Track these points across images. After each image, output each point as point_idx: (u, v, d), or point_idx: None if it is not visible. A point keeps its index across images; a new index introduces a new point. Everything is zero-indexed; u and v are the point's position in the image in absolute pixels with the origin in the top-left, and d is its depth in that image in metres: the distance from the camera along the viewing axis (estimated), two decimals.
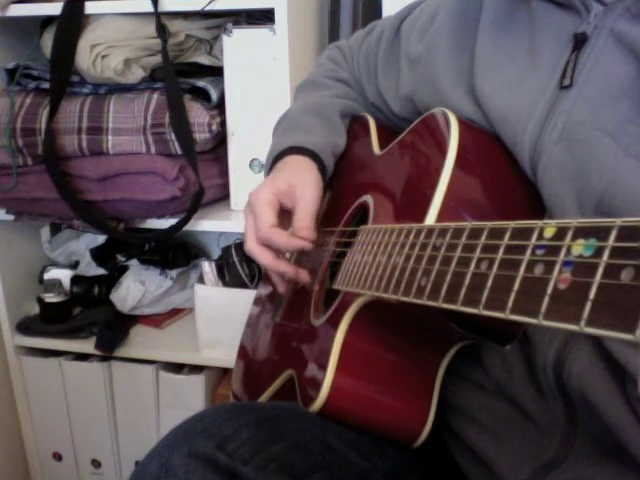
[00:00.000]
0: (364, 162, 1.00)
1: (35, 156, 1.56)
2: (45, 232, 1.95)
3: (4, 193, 1.61)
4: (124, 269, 1.88)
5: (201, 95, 1.54)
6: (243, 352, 1.20)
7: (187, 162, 1.50)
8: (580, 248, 0.38)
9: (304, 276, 0.93)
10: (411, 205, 0.77)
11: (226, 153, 1.58)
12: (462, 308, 0.49)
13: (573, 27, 0.70)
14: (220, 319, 1.60)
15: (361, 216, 0.93)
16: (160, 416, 1.82)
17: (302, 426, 0.80)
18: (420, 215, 0.70)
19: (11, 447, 1.93)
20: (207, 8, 1.41)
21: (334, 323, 0.79)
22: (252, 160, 1.55)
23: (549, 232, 0.42)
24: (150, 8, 1.44)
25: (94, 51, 1.47)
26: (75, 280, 1.86)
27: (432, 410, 0.78)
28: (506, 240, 0.46)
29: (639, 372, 0.36)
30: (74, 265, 1.94)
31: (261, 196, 0.92)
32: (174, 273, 1.85)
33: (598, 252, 0.37)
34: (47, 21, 1.56)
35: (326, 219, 1.01)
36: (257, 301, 1.25)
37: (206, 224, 1.59)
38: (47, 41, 1.53)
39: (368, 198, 0.90)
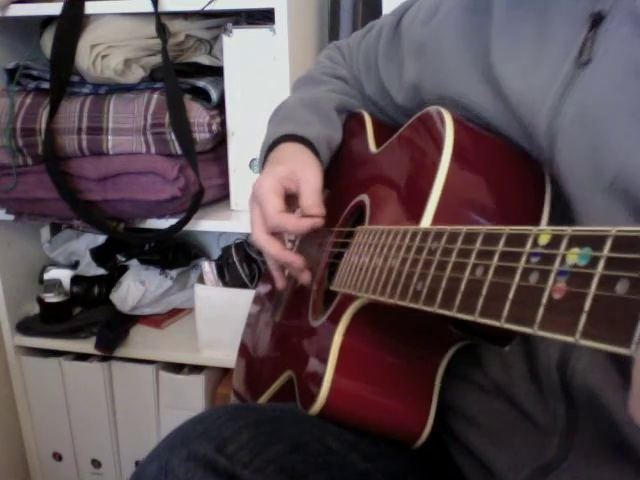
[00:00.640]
0: (360, 160, 0.99)
1: (35, 156, 1.56)
2: (45, 232, 1.94)
3: (4, 193, 1.61)
4: (124, 269, 1.88)
5: (201, 95, 1.54)
6: (244, 350, 1.20)
7: (187, 162, 1.50)
8: (575, 257, 0.38)
9: (307, 274, 0.93)
10: (408, 204, 0.76)
11: (226, 153, 1.58)
12: (458, 314, 0.49)
13: (589, 6, 0.69)
14: (220, 319, 1.60)
15: (358, 215, 0.93)
16: (160, 416, 1.82)
17: (301, 427, 0.80)
18: (417, 214, 0.70)
19: (11, 447, 1.93)
20: (207, 8, 1.41)
21: (332, 324, 0.79)
22: (252, 160, 1.54)
23: (544, 239, 0.42)
24: (150, 8, 1.44)
25: (94, 51, 1.47)
26: (75, 280, 1.86)
27: (432, 410, 0.78)
28: (501, 246, 0.46)
29: (633, 386, 0.35)
30: (74, 265, 1.94)
31: (265, 185, 0.91)
32: (174, 273, 1.85)
33: (593, 262, 0.36)
34: (47, 21, 1.56)
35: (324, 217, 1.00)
36: (257, 300, 1.25)
37: (206, 224, 1.58)
38: (47, 41, 1.53)
39: (364, 197, 0.90)
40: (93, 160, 1.55)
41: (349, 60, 1.14)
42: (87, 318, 1.82)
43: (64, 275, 1.86)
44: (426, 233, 0.59)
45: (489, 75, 0.79)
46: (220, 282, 1.66)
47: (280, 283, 0.98)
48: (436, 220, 0.68)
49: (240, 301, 1.37)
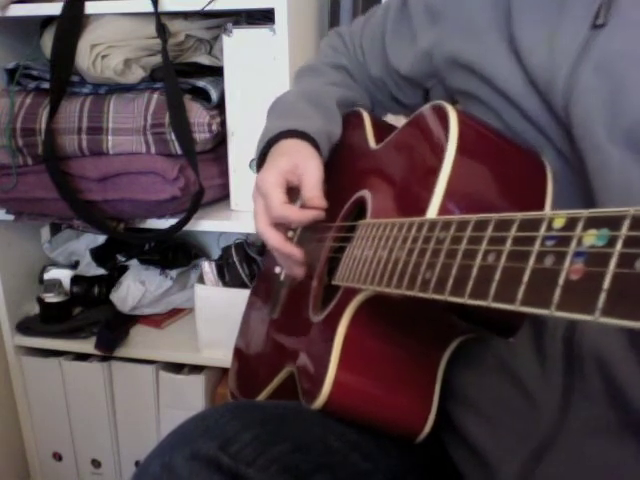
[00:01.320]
0: (359, 157, 1.00)
1: (35, 156, 1.56)
2: (45, 232, 1.95)
3: (4, 193, 1.61)
4: (124, 269, 1.88)
5: (201, 95, 1.54)
6: (240, 350, 1.20)
7: (187, 162, 1.50)
8: (592, 238, 0.38)
9: (302, 269, 0.94)
10: (411, 198, 0.76)
11: (226, 153, 1.58)
12: (470, 301, 0.49)
13: None
14: (220, 319, 1.60)
15: (358, 211, 0.93)
16: (160, 416, 1.82)
17: (304, 427, 0.80)
18: (421, 208, 0.70)
19: (11, 447, 1.93)
20: (207, 8, 1.41)
21: (335, 319, 0.79)
22: (252, 160, 1.54)
23: (559, 223, 0.42)
24: (150, 8, 1.44)
25: (94, 51, 1.47)
26: (75, 280, 1.86)
27: (434, 403, 0.78)
28: (514, 232, 0.46)
29: None
30: (74, 265, 1.94)
31: (268, 178, 0.92)
32: (174, 273, 1.86)
33: (611, 242, 0.37)
34: (47, 21, 1.56)
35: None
36: (253, 297, 1.25)
37: (206, 224, 1.58)
38: (47, 41, 1.53)
39: (365, 193, 0.90)
40: (93, 160, 1.55)
41: (351, 45, 1.14)
42: (87, 318, 1.82)
43: (64, 275, 1.86)
44: (433, 223, 0.59)
45: (509, 37, 0.81)
46: (220, 282, 1.66)
47: (291, 270, 0.98)
48: (441, 213, 0.68)
49: (240, 301, 1.37)
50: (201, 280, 1.69)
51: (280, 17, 1.40)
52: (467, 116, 0.77)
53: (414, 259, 0.60)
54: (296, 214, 0.90)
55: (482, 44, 0.85)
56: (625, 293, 0.35)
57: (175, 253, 1.87)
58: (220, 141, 1.61)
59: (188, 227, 1.55)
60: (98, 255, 1.88)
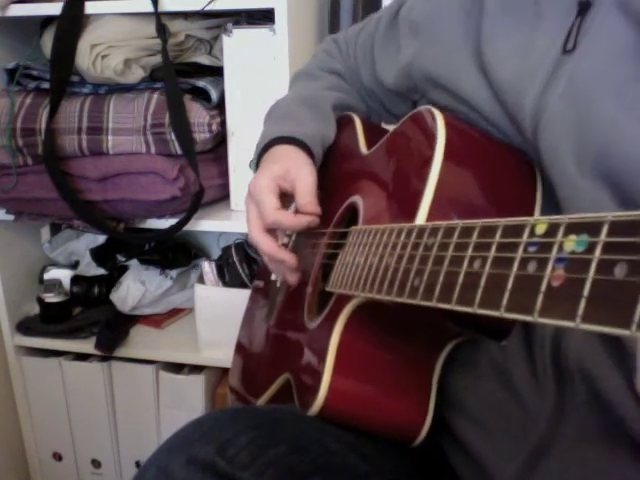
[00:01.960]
0: (351, 162, 1.00)
1: (35, 156, 1.56)
2: (45, 232, 1.95)
3: (4, 193, 1.61)
4: (124, 269, 1.88)
5: (201, 95, 1.54)
6: (240, 350, 1.20)
7: (187, 162, 1.50)
8: (572, 244, 0.38)
9: (296, 275, 0.94)
10: (401, 204, 0.76)
11: (226, 153, 1.58)
12: (457, 307, 0.49)
13: None
14: (220, 319, 1.60)
15: (351, 217, 0.93)
16: (160, 416, 1.82)
17: (301, 429, 0.79)
18: (410, 214, 0.70)
19: (11, 447, 1.93)
20: (207, 8, 1.41)
21: (329, 325, 0.78)
22: (251, 161, 1.54)
23: (540, 228, 0.42)
24: (150, 8, 1.44)
25: (94, 51, 1.47)
26: (75, 280, 1.86)
27: (430, 407, 0.78)
28: (498, 238, 0.46)
29: (638, 364, 0.35)
30: (74, 265, 1.94)
31: (260, 184, 0.93)
32: (174, 273, 1.86)
33: (590, 248, 0.37)
34: (47, 21, 1.56)
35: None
36: (252, 299, 1.25)
37: (206, 224, 1.59)
38: (47, 41, 1.53)
39: (357, 199, 0.90)
40: (93, 160, 1.55)
41: (345, 52, 1.14)
42: (87, 318, 1.82)
43: (64, 275, 1.86)
44: (422, 230, 0.59)
45: (478, 57, 0.81)
46: (220, 282, 1.66)
47: (283, 276, 0.99)
48: (430, 218, 0.69)
49: (240, 301, 1.37)
50: (201, 280, 1.69)
51: (280, 17, 1.40)
52: (455, 121, 0.77)
53: (403, 266, 0.60)
54: (289, 220, 0.90)
55: (452, 62, 0.85)
56: (605, 299, 0.35)
57: (175, 253, 1.87)
58: (220, 141, 1.61)
59: (188, 227, 1.55)
60: (98, 255, 1.88)
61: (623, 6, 0.66)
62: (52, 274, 1.86)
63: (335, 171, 1.03)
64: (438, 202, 0.69)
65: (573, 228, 0.39)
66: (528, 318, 0.40)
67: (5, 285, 1.78)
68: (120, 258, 1.92)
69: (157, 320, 1.87)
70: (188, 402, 1.75)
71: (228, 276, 1.65)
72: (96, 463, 1.92)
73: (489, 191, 0.73)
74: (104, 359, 1.80)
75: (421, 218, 0.69)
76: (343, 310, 0.77)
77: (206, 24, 1.59)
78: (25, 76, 1.60)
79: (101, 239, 1.93)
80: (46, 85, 1.55)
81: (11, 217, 1.68)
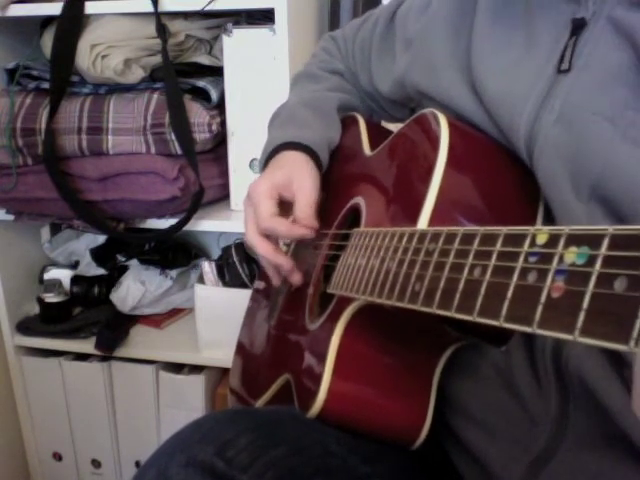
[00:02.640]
0: (355, 163, 1.00)
1: (35, 156, 1.56)
2: (45, 232, 1.95)
3: (4, 193, 1.61)
4: (124, 269, 1.88)
5: (201, 95, 1.54)
6: (241, 350, 1.20)
7: (187, 162, 1.50)
8: (573, 256, 0.38)
9: (297, 276, 0.94)
10: (403, 207, 0.76)
11: (226, 153, 1.58)
12: (456, 315, 0.49)
13: (571, 13, 0.70)
14: (220, 319, 1.60)
15: (353, 218, 0.93)
16: (160, 416, 1.82)
17: (301, 430, 0.79)
18: (412, 217, 0.70)
19: (11, 447, 1.93)
20: (207, 8, 1.41)
21: (329, 327, 0.78)
22: (252, 160, 1.54)
23: (541, 239, 0.42)
24: (150, 8, 1.44)
25: (94, 51, 1.47)
26: (75, 280, 1.86)
27: (430, 411, 0.78)
28: (499, 246, 0.46)
29: (635, 382, 0.35)
30: (74, 265, 1.94)
31: (260, 188, 0.93)
32: (174, 273, 1.85)
33: (591, 261, 0.37)
34: (47, 21, 1.56)
35: (319, 221, 1.01)
36: (253, 299, 1.25)
37: (206, 224, 1.59)
38: (47, 41, 1.53)
39: (360, 200, 0.90)
40: (93, 160, 1.55)
41: (344, 52, 1.14)
42: (87, 318, 1.82)
43: (64, 275, 1.86)
44: (423, 234, 0.59)
45: (469, 75, 0.81)
46: (220, 282, 1.66)
47: (275, 281, 0.99)
48: (432, 222, 0.68)
49: (240, 301, 1.37)
50: (201, 280, 1.69)
51: (280, 17, 1.40)
52: (459, 124, 0.76)
53: (404, 270, 0.60)
54: (284, 228, 0.90)
55: (442, 78, 0.85)
56: (604, 313, 0.35)
57: (175, 253, 1.87)
58: (220, 141, 1.60)
59: (188, 227, 1.55)
60: (98, 255, 1.88)
61: (617, 26, 0.66)
62: (52, 274, 1.86)
63: (339, 172, 1.03)
64: (440, 206, 0.69)
65: (574, 240, 0.39)
66: (527, 329, 0.40)
67: (5, 285, 1.78)
68: (120, 258, 1.92)
69: (157, 320, 1.87)
70: (188, 402, 1.75)
71: (228, 276, 1.65)
72: (96, 463, 1.92)
73: (491, 196, 0.72)
74: (104, 359, 1.80)
75: (423, 222, 0.69)
76: (344, 312, 0.77)
77: (206, 24, 1.59)
78: (25, 76, 1.60)
79: (101, 239, 1.92)
80: (46, 85, 1.55)
81: (11, 217, 1.68)
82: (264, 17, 1.54)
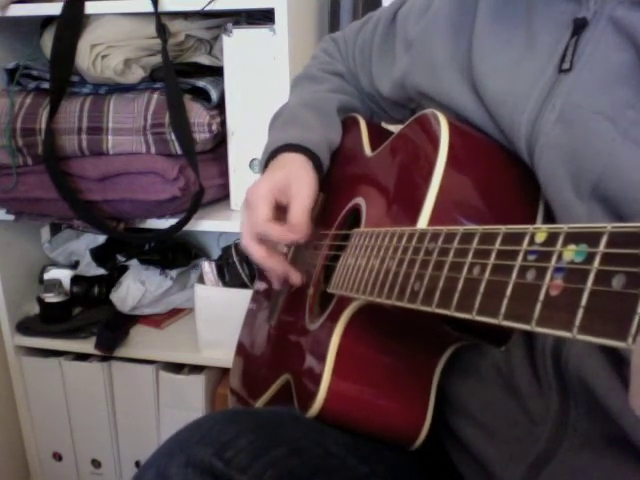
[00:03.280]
0: (355, 164, 1.00)
1: (35, 156, 1.56)
2: (45, 232, 1.95)
3: (4, 193, 1.61)
4: (124, 269, 1.88)
5: (201, 95, 1.54)
6: (241, 350, 1.20)
7: (187, 162, 1.50)
8: (571, 254, 0.38)
9: (295, 277, 0.94)
10: (403, 207, 0.77)
11: (226, 153, 1.58)
12: (456, 313, 0.49)
13: (572, 12, 0.70)
14: (220, 319, 1.60)
15: (354, 218, 0.93)
16: (160, 416, 1.82)
17: (300, 431, 0.79)
18: (412, 217, 0.70)
19: (11, 447, 1.93)
20: (207, 8, 1.41)
21: (329, 327, 0.78)
22: (252, 160, 1.54)
23: (540, 237, 0.42)
24: (150, 8, 1.44)
25: (94, 51, 1.47)
26: (75, 280, 1.86)
27: (429, 411, 0.78)
28: (498, 245, 0.46)
29: (633, 380, 0.35)
30: (74, 265, 1.94)
31: (258, 192, 0.93)
32: (174, 273, 1.85)
33: (589, 258, 0.37)
34: (47, 21, 1.56)
35: (319, 221, 1.01)
36: (254, 298, 1.25)
37: (206, 224, 1.59)
38: (47, 41, 1.53)
39: (360, 200, 0.90)
40: (93, 160, 1.55)
41: (345, 53, 1.14)
42: (87, 318, 1.82)
43: (64, 275, 1.86)
44: (423, 234, 0.59)
45: (469, 75, 0.81)
46: (220, 282, 1.66)
47: (274, 284, 0.99)
48: (432, 222, 0.69)
49: (240, 301, 1.37)
50: (201, 280, 1.69)
51: (280, 17, 1.40)
52: (459, 124, 0.76)
53: (404, 270, 0.60)
54: (277, 234, 0.91)
55: (442, 79, 0.85)
56: (602, 311, 0.35)
57: (175, 253, 1.87)
58: (220, 141, 1.60)
59: (188, 227, 1.55)
60: (98, 255, 1.88)
61: (619, 25, 0.66)
62: (52, 274, 1.86)
63: (339, 172, 1.03)
64: (440, 206, 0.69)
65: (572, 238, 0.39)
66: (526, 327, 0.40)
67: (5, 285, 1.78)
68: (120, 258, 1.92)
69: (157, 320, 1.87)
70: (188, 402, 1.75)
71: (228, 276, 1.65)
72: (96, 463, 1.92)
73: (491, 196, 0.73)
74: (104, 359, 1.80)
75: (423, 222, 0.69)
76: (344, 312, 0.77)
77: (206, 24, 1.59)
78: (25, 76, 1.60)
79: (101, 239, 1.92)
80: (46, 85, 1.56)
81: (11, 217, 1.68)
82: (264, 17, 1.55)
